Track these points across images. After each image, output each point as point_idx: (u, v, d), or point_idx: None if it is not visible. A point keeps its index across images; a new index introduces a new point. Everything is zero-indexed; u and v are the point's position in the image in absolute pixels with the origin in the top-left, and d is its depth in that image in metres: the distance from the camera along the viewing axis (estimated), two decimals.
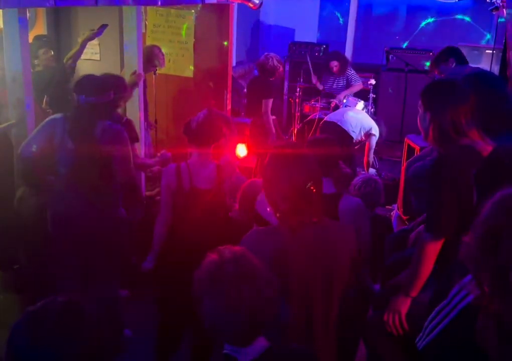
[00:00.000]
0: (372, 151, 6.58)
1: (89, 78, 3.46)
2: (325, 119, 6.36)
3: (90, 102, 3.32)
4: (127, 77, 4.67)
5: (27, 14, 3.78)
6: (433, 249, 2.56)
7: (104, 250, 3.50)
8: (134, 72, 4.77)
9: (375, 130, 6.35)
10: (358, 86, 7.42)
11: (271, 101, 6.05)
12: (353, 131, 6.11)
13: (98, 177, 3.37)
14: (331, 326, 2.34)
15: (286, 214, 2.19)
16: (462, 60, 4.85)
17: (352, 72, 7.43)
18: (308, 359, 1.92)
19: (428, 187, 2.59)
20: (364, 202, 3.96)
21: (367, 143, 6.47)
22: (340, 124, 6.09)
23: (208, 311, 1.69)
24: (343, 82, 7.42)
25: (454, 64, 4.78)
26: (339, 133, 5.86)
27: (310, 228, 2.20)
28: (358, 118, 6.29)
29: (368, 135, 6.36)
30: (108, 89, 3.43)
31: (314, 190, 2.17)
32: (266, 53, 6.27)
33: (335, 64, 7.32)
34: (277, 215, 2.23)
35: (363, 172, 6.40)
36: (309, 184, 2.15)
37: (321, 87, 7.46)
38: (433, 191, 2.53)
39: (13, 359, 1.49)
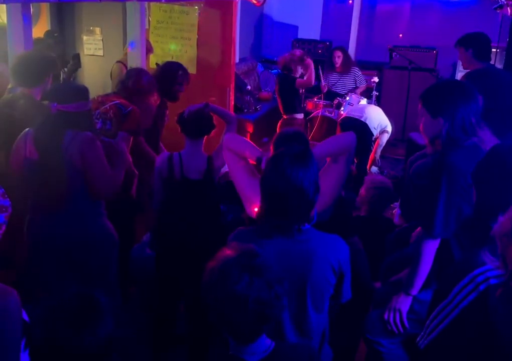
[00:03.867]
0: (381, 148, 6.57)
1: (66, 86, 3.23)
2: (345, 115, 6.35)
3: (62, 110, 3.00)
4: None
5: (31, 10, 3.78)
6: (431, 247, 2.57)
7: (92, 265, 3.22)
8: None
9: (389, 128, 6.34)
10: (362, 88, 7.47)
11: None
12: (374, 128, 6.11)
13: (67, 191, 3.04)
14: (308, 332, 2.31)
15: (269, 215, 2.17)
16: (481, 53, 4.67)
17: (360, 73, 7.45)
18: (310, 354, 1.95)
19: (428, 188, 2.60)
20: (372, 207, 3.92)
21: (377, 140, 6.46)
22: (363, 120, 6.08)
23: (217, 301, 1.71)
24: (352, 84, 7.43)
25: (471, 54, 4.61)
26: (360, 129, 5.84)
27: (288, 236, 2.18)
28: (379, 114, 6.29)
29: (382, 132, 6.35)
30: (85, 99, 3.12)
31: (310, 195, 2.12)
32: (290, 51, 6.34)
33: (338, 55, 7.31)
34: (259, 217, 2.22)
35: (374, 172, 6.39)
36: (307, 189, 2.11)
37: (325, 88, 7.41)
38: (432, 193, 2.54)
39: (33, 350, 1.52)
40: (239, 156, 2.88)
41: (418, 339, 2.27)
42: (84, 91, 3.15)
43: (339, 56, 7.33)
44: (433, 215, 2.51)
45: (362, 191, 3.92)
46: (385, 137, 6.44)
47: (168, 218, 3.41)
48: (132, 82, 4.00)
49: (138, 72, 4.13)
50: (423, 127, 2.70)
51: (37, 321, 1.53)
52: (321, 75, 7.21)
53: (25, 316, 1.84)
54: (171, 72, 4.34)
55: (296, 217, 2.16)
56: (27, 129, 3.13)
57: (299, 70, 6.06)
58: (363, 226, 3.82)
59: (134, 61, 4.85)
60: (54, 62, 3.80)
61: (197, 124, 3.36)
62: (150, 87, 4.13)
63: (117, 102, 3.75)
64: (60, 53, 5.71)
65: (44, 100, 3.12)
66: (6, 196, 1.92)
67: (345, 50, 7.53)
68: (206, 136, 3.43)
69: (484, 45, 4.62)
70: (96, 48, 6.57)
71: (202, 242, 3.27)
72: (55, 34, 5.81)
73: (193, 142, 3.37)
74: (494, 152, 2.47)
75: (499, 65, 6.22)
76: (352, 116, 6.23)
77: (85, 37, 6.61)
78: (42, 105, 3.37)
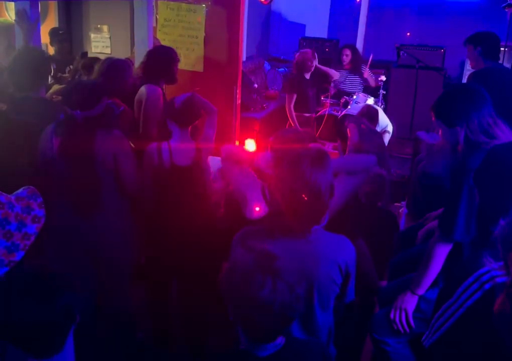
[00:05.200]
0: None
1: (82, 89, 3.08)
2: (344, 112, 6.35)
3: (86, 116, 2.98)
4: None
5: (39, 8, 3.79)
6: (444, 250, 2.56)
7: (119, 263, 3.28)
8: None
9: (390, 127, 6.33)
10: (372, 82, 7.42)
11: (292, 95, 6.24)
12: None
13: (101, 192, 3.09)
14: (314, 330, 2.32)
15: (284, 216, 2.17)
16: (490, 52, 4.63)
17: (368, 70, 7.43)
18: (322, 351, 1.95)
19: (449, 192, 2.58)
20: (367, 198, 3.92)
21: None
22: None
23: (241, 304, 1.72)
24: (360, 82, 7.41)
25: (480, 53, 4.60)
26: None
27: (297, 237, 2.19)
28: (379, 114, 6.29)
29: (383, 132, 6.34)
30: (101, 96, 3.08)
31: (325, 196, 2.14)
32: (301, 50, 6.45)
33: (346, 53, 7.28)
34: (272, 217, 2.23)
35: None
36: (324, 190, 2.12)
37: (332, 90, 7.40)
38: (453, 198, 2.51)
39: None
40: (236, 162, 2.92)
41: (423, 338, 2.27)
42: (100, 88, 3.16)
43: (347, 55, 7.30)
44: (454, 220, 2.49)
45: None
46: (387, 137, 6.42)
47: (159, 206, 3.44)
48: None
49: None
50: (443, 137, 2.68)
51: None
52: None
53: None
54: (167, 54, 4.35)
55: (311, 219, 2.17)
56: (48, 128, 3.12)
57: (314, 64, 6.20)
58: (360, 214, 3.80)
59: (141, 57, 4.86)
60: (49, 58, 3.75)
61: (189, 113, 3.40)
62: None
63: (109, 101, 3.67)
64: (67, 51, 5.72)
65: (64, 106, 3.07)
66: (42, 206, 1.93)
67: (354, 49, 7.49)
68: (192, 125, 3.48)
69: (493, 44, 4.60)
70: (103, 46, 6.58)
71: (192, 228, 3.33)
72: (60, 32, 5.80)
73: (182, 130, 3.41)
74: (492, 153, 2.46)
75: (507, 64, 6.20)
76: (351, 114, 6.23)
77: (92, 35, 6.62)
78: (51, 103, 3.37)
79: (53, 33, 5.68)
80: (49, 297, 1.53)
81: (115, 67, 4.04)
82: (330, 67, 7.39)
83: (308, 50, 6.32)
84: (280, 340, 1.81)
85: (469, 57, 4.69)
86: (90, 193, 3.07)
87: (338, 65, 7.43)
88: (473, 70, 4.76)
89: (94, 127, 3.02)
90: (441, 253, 2.56)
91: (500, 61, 5.90)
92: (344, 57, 7.31)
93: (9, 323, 1.51)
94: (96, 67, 4.10)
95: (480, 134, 2.51)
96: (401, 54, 8.06)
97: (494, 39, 4.63)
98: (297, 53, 6.35)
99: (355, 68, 7.38)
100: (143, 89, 4.26)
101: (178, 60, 4.39)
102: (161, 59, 4.29)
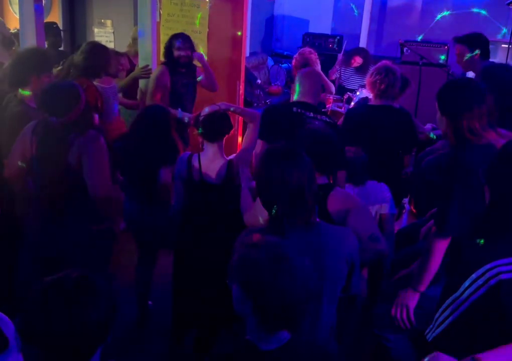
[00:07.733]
0: None
1: (58, 95, 2.97)
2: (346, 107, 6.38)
3: (63, 122, 2.92)
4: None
5: (43, 1, 3.79)
6: (441, 245, 2.57)
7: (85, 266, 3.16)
8: (146, 67, 4.81)
9: None
10: None
11: None
12: None
13: (68, 190, 3.00)
14: (318, 326, 2.32)
15: (279, 216, 2.18)
16: (486, 53, 4.64)
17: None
18: (320, 348, 1.96)
19: (442, 185, 2.59)
20: None
21: None
22: None
23: (259, 292, 1.72)
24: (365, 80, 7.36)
25: (477, 55, 4.62)
26: None
27: (300, 231, 2.20)
28: None
29: None
30: (79, 100, 2.97)
31: (307, 191, 2.17)
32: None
33: (358, 61, 7.24)
34: (269, 217, 2.23)
35: None
36: (302, 184, 2.15)
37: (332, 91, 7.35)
38: (445, 190, 2.53)
39: (27, 330, 1.54)
40: None
41: (426, 331, 2.28)
42: (75, 91, 3.02)
43: (358, 63, 7.26)
44: (446, 214, 2.50)
45: None
46: None
47: (188, 221, 3.37)
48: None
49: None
50: (437, 121, 2.74)
51: (34, 301, 1.55)
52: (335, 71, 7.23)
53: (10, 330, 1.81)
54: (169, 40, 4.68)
55: (310, 208, 2.20)
56: (28, 128, 3.06)
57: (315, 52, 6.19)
58: None
59: (144, 53, 4.88)
60: (43, 60, 3.52)
61: (212, 126, 3.25)
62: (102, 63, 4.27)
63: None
64: (60, 45, 5.66)
65: (40, 110, 3.04)
66: None
67: (366, 55, 7.38)
68: (225, 137, 3.33)
69: (487, 45, 4.61)
70: (107, 41, 6.59)
71: (221, 250, 3.06)
72: (54, 26, 5.71)
73: (212, 144, 3.27)
74: (505, 149, 2.46)
75: (511, 62, 6.19)
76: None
77: (96, 30, 6.63)
78: (32, 110, 3.32)
79: (47, 27, 5.60)
80: (91, 305, 1.54)
81: (96, 48, 4.24)
82: (334, 65, 7.38)
83: (302, 49, 6.25)
84: (285, 336, 1.81)
85: (461, 56, 4.66)
86: (56, 196, 2.99)
87: (346, 64, 7.37)
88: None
89: (68, 129, 2.95)
90: (439, 248, 2.57)
91: (504, 59, 5.91)
92: (355, 64, 7.26)
93: (52, 331, 1.51)
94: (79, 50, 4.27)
95: (466, 133, 2.55)
96: (404, 50, 8.04)
97: (486, 39, 4.65)
98: (295, 56, 6.30)
99: (362, 68, 7.34)
100: None
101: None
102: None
